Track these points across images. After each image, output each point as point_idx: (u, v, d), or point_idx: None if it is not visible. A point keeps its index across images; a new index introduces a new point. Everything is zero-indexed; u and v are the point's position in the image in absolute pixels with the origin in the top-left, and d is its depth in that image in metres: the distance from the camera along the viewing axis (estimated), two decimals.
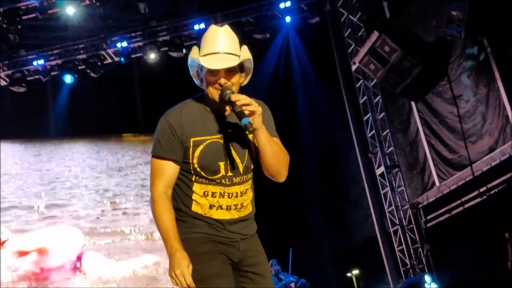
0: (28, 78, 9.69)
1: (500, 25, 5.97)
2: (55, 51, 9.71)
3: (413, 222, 8.99)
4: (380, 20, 8.74)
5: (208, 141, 2.31)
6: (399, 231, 9.11)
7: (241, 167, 2.36)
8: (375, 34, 7.29)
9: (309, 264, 9.94)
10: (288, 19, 9.84)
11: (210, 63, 2.26)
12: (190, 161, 2.32)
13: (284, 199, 10.98)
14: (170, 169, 2.35)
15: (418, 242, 8.87)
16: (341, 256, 10.91)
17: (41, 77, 9.70)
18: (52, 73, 9.79)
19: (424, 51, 6.82)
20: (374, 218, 9.56)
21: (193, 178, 2.35)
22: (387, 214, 9.34)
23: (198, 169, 2.32)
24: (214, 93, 2.30)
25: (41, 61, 9.65)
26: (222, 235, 2.33)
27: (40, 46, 9.74)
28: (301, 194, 11.39)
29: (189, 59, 2.39)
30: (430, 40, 6.97)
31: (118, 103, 10.02)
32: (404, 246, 8.99)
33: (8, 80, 9.57)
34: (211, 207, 2.33)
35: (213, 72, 2.28)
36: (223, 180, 2.33)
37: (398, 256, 9.09)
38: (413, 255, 8.89)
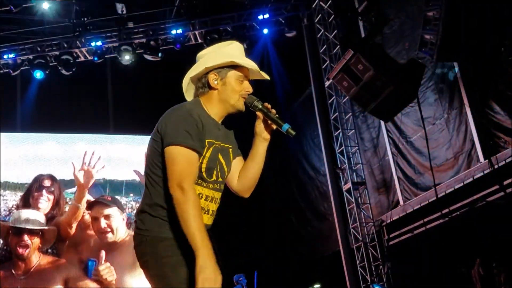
0: None
1: (471, 51, 6.13)
2: (27, 46, 9.54)
3: (376, 240, 9.09)
4: (356, 38, 8.89)
5: (214, 145, 2.33)
6: (362, 247, 9.20)
7: (226, 176, 2.43)
8: (350, 52, 7.40)
9: (273, 275, 9.93)
10: (265, 31, 9.92)
11: (260, 73, 2.46)
12: (200, 160, 2.27)
13: (252, 211, 10.97)
14: (197, 164, 2.24)
15: (380, 260, 8.97)
16: (304, 269, 10.95)
17: (11, 71, 9.50)
18: (22, 68, 9.61)
19: (396, 72, 6.95)
20: (338, 234, 9.64)
21: None
22: (352, 230, 9.42)
23: (203, 170, 2.28)
24: (240, 100, 2.40)
25: (11, 55, 9.45)
26: None
27: (12, 40, 9.54)
28: (269, 205, 11.40)
29: (210, 57, 2.41)
30: (402, 62, 7.12)
31: (89, 102, 9.87)
32: (366, 262, 9.08)
33: None
34: (202, 209, 2.27)
35: (242, 81, 2.41)
36: (215, 185, 2.35)
37: (359, 272, 9.17)
38: (374, 272, 8.98)
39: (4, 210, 9.75)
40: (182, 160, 2.17)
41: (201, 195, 2.29)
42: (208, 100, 2.40)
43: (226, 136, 2.45)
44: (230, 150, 2.46)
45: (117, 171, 9.95)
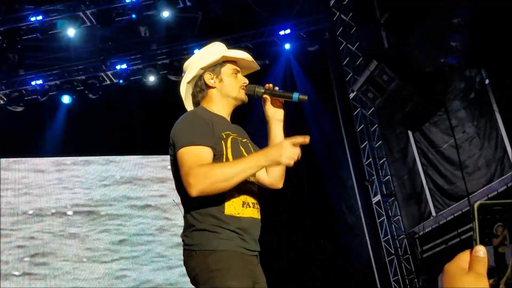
0: (25, 98, 9.68)
1: (500, 57, 6.02)
2: (54, 72, 9.74)
3: (409, 252, 8.91)
4: (379, 49, 8.83)
5: (232, 136, 2.31)
6: (395, 261, 9.02)
7: None
8: (374, 63, 7.36)
9: None
10: (287, 46, 9.92)
11: (252, 63, 2.44)
12: (224, 152, 2.24)
13: (280, 225, 10.88)
14: (209, 156, 2.18)
15: (414, 273, 8.78)
16: (335, 285, 10.76)
17: (39, 97, 9.69)
18: (50, 93, 9.79)
19: (422, 81, 6.87)
20: (369, 247, 9.47)
21: None
22: (383, 243, 9.26)
23: (230, 158, 2.25)
24: (241, 91, 2.38)
25: (39, 81, 9.65)
26: (249, 248, 2.21)
27: (39, 66, 9.76)
28: (296, 221, 11.29)
29: (200, 59, 2.41)
30: (428, 70, 7.03)
31: (116, 125, 9.99)
32: (399, 276, 8.89)
33: (5, 99, 9.56)
34: (243, 204, 2.23)
35: (237, 74, 2.39)
36: None
37: (393, 287, 8.98)
38: (408, 286, 8.78)
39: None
40: (185, 160, 2.13)
41: (238, 188, 2.21)
42: (210, 101, 2.38)
43: (240, 131, 2.42)
44: (249, 144, 2.42)
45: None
